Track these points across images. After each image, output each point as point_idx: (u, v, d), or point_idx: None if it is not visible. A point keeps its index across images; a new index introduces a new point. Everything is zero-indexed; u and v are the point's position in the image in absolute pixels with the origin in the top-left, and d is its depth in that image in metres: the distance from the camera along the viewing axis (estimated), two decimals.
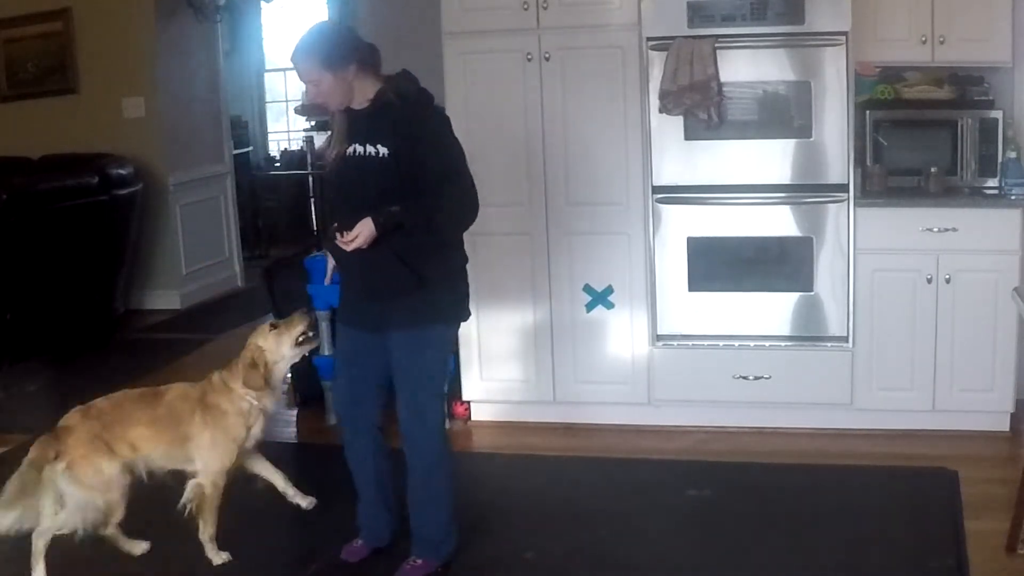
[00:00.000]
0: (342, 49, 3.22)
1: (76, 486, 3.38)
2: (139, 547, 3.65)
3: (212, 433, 3.53)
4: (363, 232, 3.20)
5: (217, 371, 3.61)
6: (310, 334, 3.64)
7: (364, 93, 3.29)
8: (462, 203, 3.32)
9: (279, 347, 3.58)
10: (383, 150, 3.24)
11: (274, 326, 3.61)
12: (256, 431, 3.61)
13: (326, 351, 4.70)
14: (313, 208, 8.60)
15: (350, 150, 3.31)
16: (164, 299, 7.32)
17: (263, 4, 8.69)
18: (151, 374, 5.92)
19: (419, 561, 3.48)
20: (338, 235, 3.23)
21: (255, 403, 3.56)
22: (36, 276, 6.07)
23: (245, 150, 9.56)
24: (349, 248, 3.22)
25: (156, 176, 7.09)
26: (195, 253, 7.47)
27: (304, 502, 3.70)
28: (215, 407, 3.54)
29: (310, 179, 8.52)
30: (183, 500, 3.53)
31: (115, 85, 7.05)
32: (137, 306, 7.21)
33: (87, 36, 7.08)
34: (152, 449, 3.51)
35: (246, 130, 9.92)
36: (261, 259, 8.61)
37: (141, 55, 7.01)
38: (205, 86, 7.60)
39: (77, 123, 7.05)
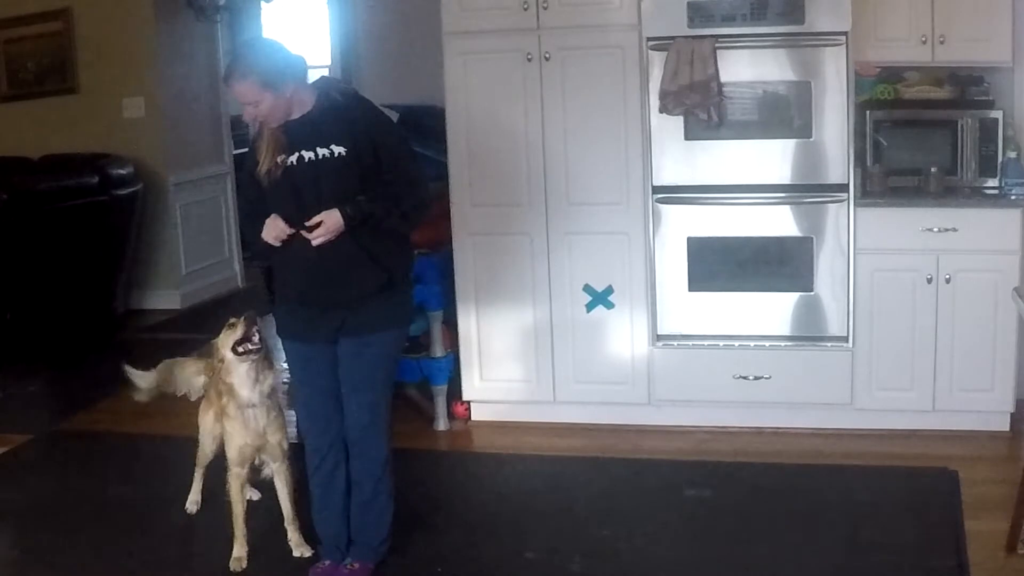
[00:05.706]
0: (279, 66, 3.15)
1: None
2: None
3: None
4: (328, 222, 3.13)
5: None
6: (250, 344, 3.40)
7: (302, 104, 3.23)
8: (425, 194, 3.35)
9: (223, 348, 3.46)
10: (339, 149, 3.18)
11: (232, 325, 3.46)
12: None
13: None
14: None
15: (293, 159, 3.21)
16: (164, 299, 7.30)
17: (263, 4, 8.67)
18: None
19: (356, 565, 3.44)
20: (302, 231, 3.15)
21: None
22: (36, 276, 6.07)
23: (245, 150, 9.48)
24: (316, 242, 3.15)
25: (156, 176, 7.08)
26: (195, 253, 7.45)
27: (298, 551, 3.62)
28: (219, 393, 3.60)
29: None
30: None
31: (115, 85, 7.03)
32: (137, 306, 7.20)
33: (87, 36, 7.06)
34: None
35: (246, 130, 9.88)
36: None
37: (141, 55, 7.00)
38: (205, 86, 7.58)
39: (77, 123, 7.03)
